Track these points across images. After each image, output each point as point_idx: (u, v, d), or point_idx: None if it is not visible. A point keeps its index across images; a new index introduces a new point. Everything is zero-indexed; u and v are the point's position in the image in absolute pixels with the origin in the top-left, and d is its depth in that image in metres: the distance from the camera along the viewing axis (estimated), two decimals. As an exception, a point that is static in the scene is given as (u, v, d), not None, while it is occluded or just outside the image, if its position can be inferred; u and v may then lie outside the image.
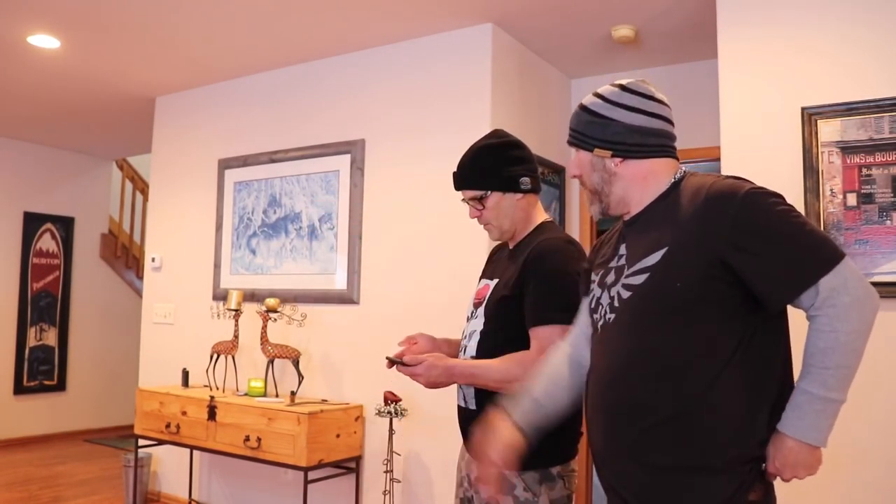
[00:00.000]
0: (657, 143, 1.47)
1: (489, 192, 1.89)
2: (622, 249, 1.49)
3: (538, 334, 1.74)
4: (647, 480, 1.37)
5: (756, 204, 1.32)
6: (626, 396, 1.39)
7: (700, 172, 1.49)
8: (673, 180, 1.47)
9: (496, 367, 1.75)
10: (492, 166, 1.89)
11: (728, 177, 1.42)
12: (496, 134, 1.97)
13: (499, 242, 2.07)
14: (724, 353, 1.33)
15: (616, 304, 1.45)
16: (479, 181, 1.90)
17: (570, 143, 1.55)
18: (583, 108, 1.51)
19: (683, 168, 1.49)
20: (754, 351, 1.34)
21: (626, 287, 1.43)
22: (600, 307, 1.50)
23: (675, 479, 1.35)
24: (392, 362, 1.80)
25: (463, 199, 1.95)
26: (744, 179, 1.39)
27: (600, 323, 1.50)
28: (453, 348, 2.01)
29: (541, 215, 1.95)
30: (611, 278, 1.48)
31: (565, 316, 1.71)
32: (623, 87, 1.48)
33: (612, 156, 1.47)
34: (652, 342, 1.37)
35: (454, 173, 1.95)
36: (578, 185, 4.37)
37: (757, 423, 1.33)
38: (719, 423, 1.32)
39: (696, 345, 1.34)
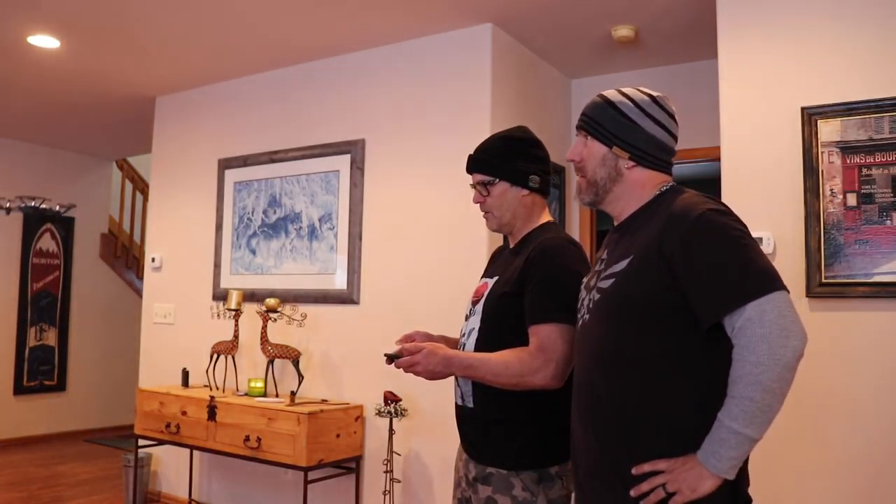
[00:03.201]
0: (664, 159, 1.54)
1: (497, 180, 1.89)
2: (605, 254, 1.56)
3: (537, 332, 1.73)
4: (598, 483, 1.44)
5: (704, 225, 1.35)
6: (588, 395, 1.47)
7: (687, 190, 1.51)
8: (658, 192, 1.52)
9: (495, 361, 1.74)
10: (506, 156, 1.90)
11: (703, 197, 1.45)
12: (520, 129, 1.98)
13: (499, 246, 2.07)
14: (680, 361, 1.37)
15: (591, 305, 1.51)
16: (490, 167, 1.91)
17: (586, 130, 1.57)
18: (609, 103, 1.54)
19: (671, 182, 1.54)
20: (713, 362, 1.35)
21: (598, 290, 1.49)
22: (582, 308, 1.57)
23: (620, 482, 1.38)
24: (391, 358, 1.78)
25: (471, 184, 1.96)
26: (711, 200, 1.42)
27: (579, 323, 1.57)
28: (451, 345, 2.01)
29: (544, 217, 1.95)
30: (593, 281, 1.55)
31: (565, 315, 1.70)
32: (654, 99, 1.53)
33: (630, 158, 1.51)
34: (611, 345, 1.43)
35: (469, 156, 1.96)
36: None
37: (707, 431, 1.32)
38: (671, 430, 1.36)
39: (652, 351, 1.38)
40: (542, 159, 1.94)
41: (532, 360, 1.70)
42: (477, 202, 1.95)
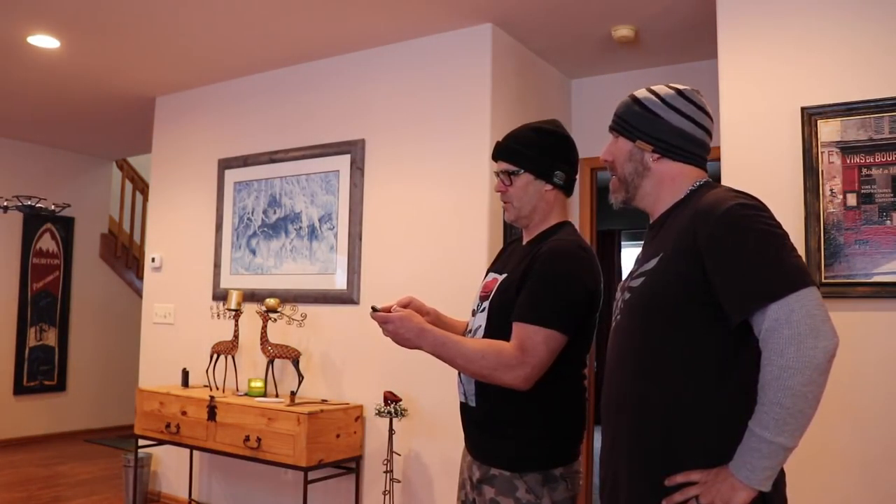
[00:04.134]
0: (695, 152, 1.52)
1: (522, 171, 1.86)
2: (640, 254, 1.55)
3: (522, 330, 1.69)
4: (625, 480, 1.41)
5: (733, 219, 1.31)
6: (616, 394, 1.46)
7: (719, 185, 1.50)
8: (692, 188, 1.50)
9: (470, 347, 1.70)
10: (535, 148, 1.86)
11: (732, 191, 1.42)
12: (554, 123, 1.93)
13: (513, 239, 2.04)
14: (710, 364, 1.34)
15: (622, 305, 1.50)
16: (516, 157, 1.87)
17: (612, 129, 1.58)
18: (635, 100, 1.55)
19: (705, 178, 1.53)
20: (746, 366, 1.32)
21: (629, 290, 1.48)
22: (616, 309, 1.55)
23: (648, 483, 1.36)
24: (375, 310, 1.75)
25: (495, 171, 1.93)
26: (741, 194, 1.39)
27: (613, 324, 1.55)
28: (441, 322, 2.00)
29: (563, 215, 1.92)
30: (626, 281, 1.53)
31: (554, 320, 1.67)
32: (679, 92, 1.53)
33: (653, 151, 1.51)
34: (639, 344, 1.41)
35: (497, 142, 1.93)
36: (579, 187, 4.40)
37: (740, 434, 1.28)
38: (698, 430, 1.33)
39: (680, 349, 1.36)
40: (570, 158, 1.90)
41: (510, 358, 1.67)
42: (499, 191, 1.91)
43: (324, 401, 3.83)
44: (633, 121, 1.53)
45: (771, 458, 1.23)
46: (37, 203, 5.57)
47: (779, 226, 1.33)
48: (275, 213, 4.31)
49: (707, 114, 1.53)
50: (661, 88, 1.54)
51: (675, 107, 1.50)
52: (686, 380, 1.35)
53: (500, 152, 1.91)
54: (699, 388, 1.34)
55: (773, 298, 1.24)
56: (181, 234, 4.81)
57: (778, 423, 1.22)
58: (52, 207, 5.83)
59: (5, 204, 5.70)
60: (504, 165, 1.89)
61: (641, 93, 1.55)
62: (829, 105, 2.68)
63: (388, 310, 1.78)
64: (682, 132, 1.50)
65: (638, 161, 1.53)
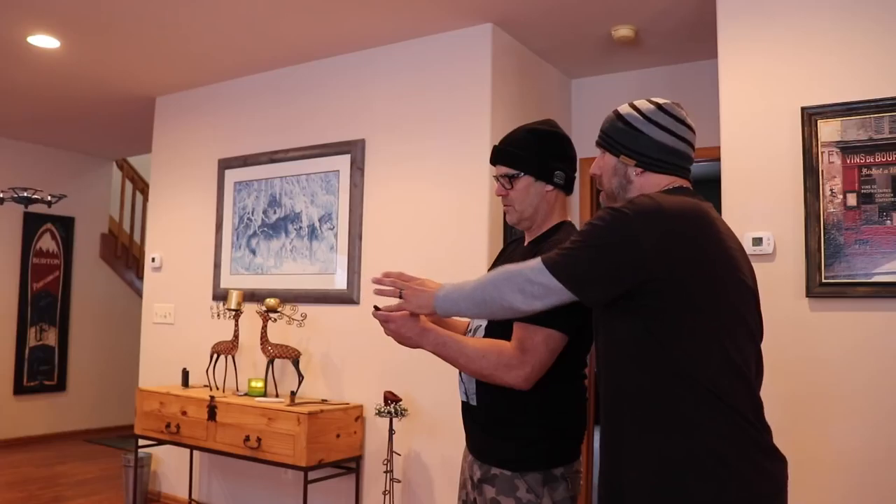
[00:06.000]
0: (675, 163, 1.58)
1: (521, 174, 1.86)
2: None
3: (523, 330, 1.69)
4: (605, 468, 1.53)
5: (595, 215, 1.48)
6: (605, 389, 1.56)
7: (661, 194, 1.52)
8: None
9: (470, 347, 1.71)
10: (532, 150, 1.86)
11: (646, 197, 1.49)
12: (549, 123, 1.93)
13: (514, 239, 2.05)
14: (637, 351, 1.42)
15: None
16: (515, 160, 1.87)
17: (599, 145, 1.64)
18: (618, 116, 1.60)
19: (678, 184, 1.57)
20: (670, 348, 1.38)
21: None
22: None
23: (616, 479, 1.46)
24: (377, 308, 1.76)
25: (494, 175, 1.93)
26: (640, 199, 1.45)
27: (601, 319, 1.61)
28: (443, 321, 1.98)
29: (564, 215, 1.92)
30: None
31: (555, 321, 1.66)
32: (659, 107, 1.58)
33: (636, 165, 1.56)
34: (606, 339, 1.53)
35: (494, 146, 1.93)
36: (579, 187, 4.40)
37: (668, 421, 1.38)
38: (635, 420, 1.43)
39: (615, 339, 1.48)
40: (568, 157, 1.91)
41: (510, 357, 1.67)
42: (500, 195, 1.91)
43: (324, 401, 3.83)
44: (616, 136, 1.59)
45: (460, 303, 1.60)
46: (33, 194, 5.57)
47: (621, 230, 1.40)
48: (275, 213, 4.31)
49: (688, 126, 1.59)
50: (642, 104, 1.59)
51: (655, 121, 1.56)
52: (630, 373, 1.44)
53: (498, 156, 1.91)
54: (641, 381, 1.42)
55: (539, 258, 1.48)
56: (181, 234, 4.81)
57: (475, 294, 1.57)
58: (49, 198, 5.83)
59: (1, 196, 5.70)
60: (503, 169, 1.89)
61: (624, 108, 1.60)
62: (829, 105, 2.68)
63: (390, 308, 1.78)
64: (662, 146, 1.55)
65: (622, 175, 1.59)
